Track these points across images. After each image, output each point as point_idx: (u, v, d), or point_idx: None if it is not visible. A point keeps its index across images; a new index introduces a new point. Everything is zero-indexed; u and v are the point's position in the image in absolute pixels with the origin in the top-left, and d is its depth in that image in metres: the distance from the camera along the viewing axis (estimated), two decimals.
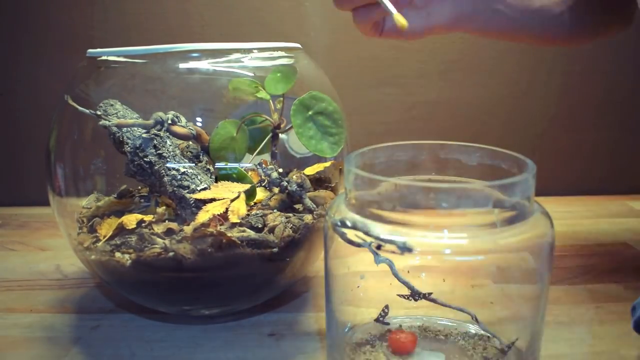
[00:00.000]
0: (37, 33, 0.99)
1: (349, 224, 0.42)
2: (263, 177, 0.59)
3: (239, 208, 0.55)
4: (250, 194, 0.57)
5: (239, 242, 0.53)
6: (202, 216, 0.54)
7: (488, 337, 0.50)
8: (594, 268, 0.72)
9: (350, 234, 0.43)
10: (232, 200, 0.55)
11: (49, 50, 0.99)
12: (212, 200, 0.55)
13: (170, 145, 0.57)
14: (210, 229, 0.52)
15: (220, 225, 0.54)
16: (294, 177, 0.60)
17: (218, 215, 0.54)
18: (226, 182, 0.57)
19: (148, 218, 0.56)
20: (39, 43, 0.99)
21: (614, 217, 0.92)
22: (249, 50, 0.58)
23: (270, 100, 0.60)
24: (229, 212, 0.54)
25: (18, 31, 0.99)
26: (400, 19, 0.55)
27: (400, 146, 0.51)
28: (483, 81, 1.01)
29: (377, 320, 0.51)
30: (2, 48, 1.00)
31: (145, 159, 0.56)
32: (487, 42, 0.99)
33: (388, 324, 0.51)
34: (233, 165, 0.59)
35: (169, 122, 0.57)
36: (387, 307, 0.50)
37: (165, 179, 0.56)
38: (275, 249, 0.54)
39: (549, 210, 0.45)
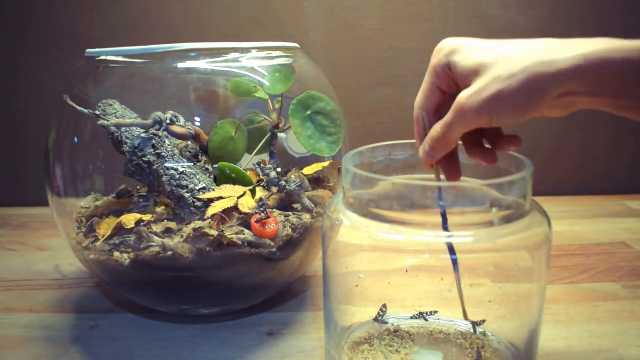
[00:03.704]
0: (37, 33, 0.99)
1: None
2: (262, 177, 0.59)
3: (247, 201, 0.55)
4: (250, 193, 0.58)
5: (239, 242, 0.53)
6: (211, 210, 0.54)
7: (485, 335, 0.50)
8: (592, 267, 0.72)
9: (349, 234, 0.44)
10: (239, 197, 0.55)
11: (48, 50, 0.99)
12: (219, 198, 0.55)
13: (168, 145, 0.57)
14: (212, 231, 0.52)
15: (222, 224, 0.54)
16: (293, 176, 0.60)
17: (221, 213, 0.54)
18: (228, 184, 0.57)
19: (147, 217, 0.56)
20: (39, 43, 0.99)
21: (612, 217, 0.92)
22: (247, 50, 0.58)
23: (269, 100, 0.60)
24: (238, 204, 0.55)
25: (18, 31, 0.99)
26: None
27: (397, 145, 0.51)
28: None
29: (375, 319, 0.51)
30: (2, 48, 1.00)
31: (143, 159, 0.56)
32: None
33: (387, 322, 0.51)
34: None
35: (168, 121, 0.57)
36: (384, 305, 0.50)
37: (164, 178, 0.56)
38: (274, 249, 0.54)
39: (547, 209, 0.45)
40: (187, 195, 0.55)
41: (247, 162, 0.62)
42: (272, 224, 0.54)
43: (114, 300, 0.65)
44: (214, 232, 0.52)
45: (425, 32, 0.98)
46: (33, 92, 1.01)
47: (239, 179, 0.58)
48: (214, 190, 0.57)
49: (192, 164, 0.58)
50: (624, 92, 0.38)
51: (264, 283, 0.59)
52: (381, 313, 0.50)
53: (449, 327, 0.51)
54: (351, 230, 0.44)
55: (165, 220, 0.56)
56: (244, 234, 0.54)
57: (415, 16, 0.97)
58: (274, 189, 0.60)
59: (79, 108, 0.57)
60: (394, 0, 0.97)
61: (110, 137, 0.56)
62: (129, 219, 0.55)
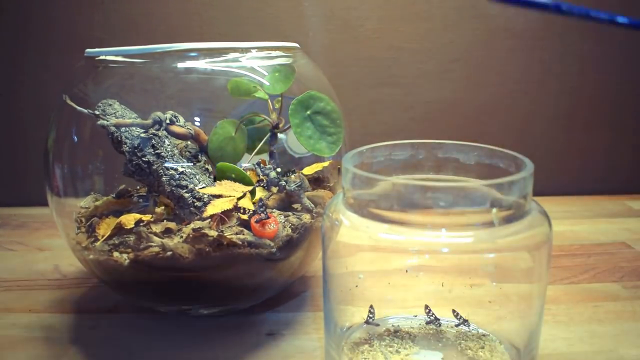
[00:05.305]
0: (37, 33, 0.99)
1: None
2: (261, 177, 0.59)
3: (246, 205, 0.55)
4: (250, 194, 0.57)
5: (239, 242, 0.53)
6: (211, 209, 0.54)
7: (485, 335, 0.50)
8: (593, 267, 0.72)
9: (349, 235, 0.44)
10: (239, 199, 0.55)
11: (49, 50, 0.99)
12: (219, 196, 0.55)
13: (168, 145, 0.57)
14: (211, 233, 0.52)
15: (222, 225, 0.54)
16: (293, 176, 0.60)
17: (221, 214, 0.54)
18: (229, 181, 0.57)
19: (146, 218, 0.56)
20: (39, 43, 0.99)
21: (613, 217, 0.92)
22: (247, 50, 0.58)
23: (269, 100, 0.60)
24: (238, 206, 0.54)
25: (18, 32, 0.99)
26: None
27: (398, 145, 0.51)
28: (482, 81, 1.01)
29: (366, 322, 0.50)
30: (2, 48, 1.00)
31: (143, 159, 0.56)
32: (485, 42, 0.99)
33: (378, 324, 0.50)
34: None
35: (168, 121, 0.57)
36: (372, 307, 0.50)
37: (164, 178, 0.56)
38: (274, 249, 0.54)
39: (547, 209, 0.45)
40: (187, 195, 0.55)
41: (247, 162, 0.62)
42: (272, 225, 0.54)
43: (114, 301, 0.65)
44: (213, 233, 0.52)
45: (425, 32, 0.98)
46: (33, 92, 1.01)
47: (239, 179, 0.58)
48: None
49: (192, 164, 0.58)
50: None
51: (264, 283, 0.59)
52: (370, 315, 0.50)
53: (449, 327, 0.51)
54: (351, 230, 0.43)
55: (165, 221, 0.56)
56: (243, 234, 0.54)
57: (415, 16, 0.97)
58: (274, 189, 0.60)
59: (78, 108, 0.57)
60: (394, 0, 0.97)
61: (110, 137, 0.56)
62: (129, 219, 0.55)
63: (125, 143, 0.56)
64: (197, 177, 0.57)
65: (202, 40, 0.57)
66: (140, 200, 0.62)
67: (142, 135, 0.56)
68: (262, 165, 0.59)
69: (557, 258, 0.74)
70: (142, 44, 0.56)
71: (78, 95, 0.58)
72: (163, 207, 0.58)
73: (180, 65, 0.57)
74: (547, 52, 1.01)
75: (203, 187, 0.56)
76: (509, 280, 0.46)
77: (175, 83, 0.59)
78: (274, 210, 0.58)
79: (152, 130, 0.57)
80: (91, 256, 0.56)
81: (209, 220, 0.54)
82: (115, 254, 0.54)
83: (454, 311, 0.49)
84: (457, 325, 0.50)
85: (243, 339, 0.57)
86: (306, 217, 0.58)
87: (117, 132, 0.56)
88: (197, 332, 0.58)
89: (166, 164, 0.56)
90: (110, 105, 0.58)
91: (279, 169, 0.60)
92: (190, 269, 0.53)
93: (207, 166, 0.59)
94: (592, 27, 0.98)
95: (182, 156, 0.58)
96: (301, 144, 0.58)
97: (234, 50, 0.58)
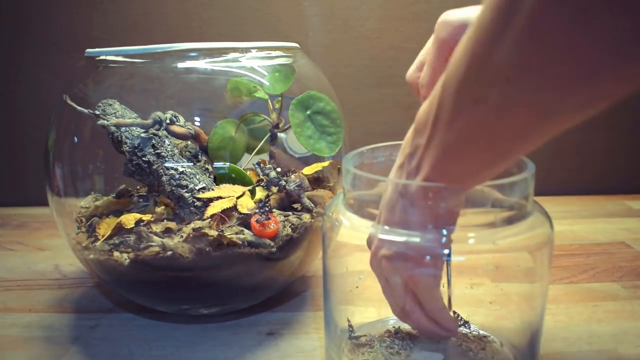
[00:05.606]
0: (36, 33, 0.99)
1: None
2: (261, 177, 0.59)
3: (247, 202, 0.55)
4: (250, 194, 0.57)
5: (239, 242, 0.53)
6: (210, 210, 0.54)
7: (486, 336, 0.50)
8: (592, 267, 0.72)
9: (349, 235, 0.44)
10: (238, 198, 0.55)
11: (48, 50, 0.99)
12: (218, 198, 0.55)
13: (168, 145, 0.57)
14: (212, 232, 0.52)
15: (222, 224, 0.54)
16: (293, 176, 0.60)
17: (221, 213, 0.54)
18: (228, 184, 0.57)
19: (147, 217, 0.56)
20: (39, 43, 0.99)
21: (612, 217, 0.92)
22: (247, 50, 0.58)
23: (269, 100, 0.60)
24: (237, 205, 0.55)
25: (18, 31, 0.99)
26: None
27: (398, 146, 0.51)
28: None
29: (350, 337, 0.50)
30: (2, 48, 1.00)
31: (143, 159, 0.56)
32: None
33: (361, 336, 0.50)
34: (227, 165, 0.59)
35: (168, 121, 0.57)
36: (349, 320, 0.50)
37: (164, 178, 0.56)
38: (274, 249, 0.54)
39: (547, 209, 0.45)
40: (187, 195, 0.55)
41: (247, 162, 0.62)
42: (272, 224, 0.54)
43: (114, 300, 0.65)
44: (213, 233, 0.52)
45: (426, 32, 0.98)
46: (33, 92, 1.01)
47: (239, 179, 0.58)
48: (213, 190, 0.56)
49: (192, 164, 0.58)
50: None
51: (264, 283, 0.59)
52: (350, 329, 0.50)
53: None
54: (351, 231, 0.43)
55: (165, 220, 0.56)
56: (243, 234, 0.54)
57: (415, 16, 0.97)
58: (274, 189, 0.59)
59: (79, 108, 0.57)
60: (394, 0, 0.97)
61: (110, 137, 0.56)
62: (129, 219, 0.55)
63: (126, 143, 0.56)
64: (197, 177, 0.57)
65: (201, 40, 0.57)
66: (140, 200, 0.61)
67: (142, 135, 0.56)
68: (262, 165, 0.59)
69: (557, 258, 0.74)
70: (141, 44, 0.56)
71: (78, 95, 0.58)
72: (163, 207, 0.58)
73: (180, 65, 0.56)
74: None
75: (202, 191, 0.56)
76: (510, 280, 0.46)
77: (175, 83, 0.59)
78: (274, 210, 0.58)
79: (152, 130, 0.57)
80: (91, 256, 0.56)
81: (209, 219, 0.54)
82: (116, 253, 0.54)
83: (454, 312, 0.49)
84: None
85: (243, 338, 0.57)
86: (306, 217, 0.58)
87: (117, 132, 0.56)
88: (197, 331, 0.58)
89: (166, 164, 0.56)
90: (111, 105, 0.58)
91: (279, 169, 0.60)
92: (191, 269, 0.53)
93: (207, 166, 0.59)
94: None
95: (182, 156, 0.58)
96: (301, 144, 0.58)
97: (234, 50, 0.58)
